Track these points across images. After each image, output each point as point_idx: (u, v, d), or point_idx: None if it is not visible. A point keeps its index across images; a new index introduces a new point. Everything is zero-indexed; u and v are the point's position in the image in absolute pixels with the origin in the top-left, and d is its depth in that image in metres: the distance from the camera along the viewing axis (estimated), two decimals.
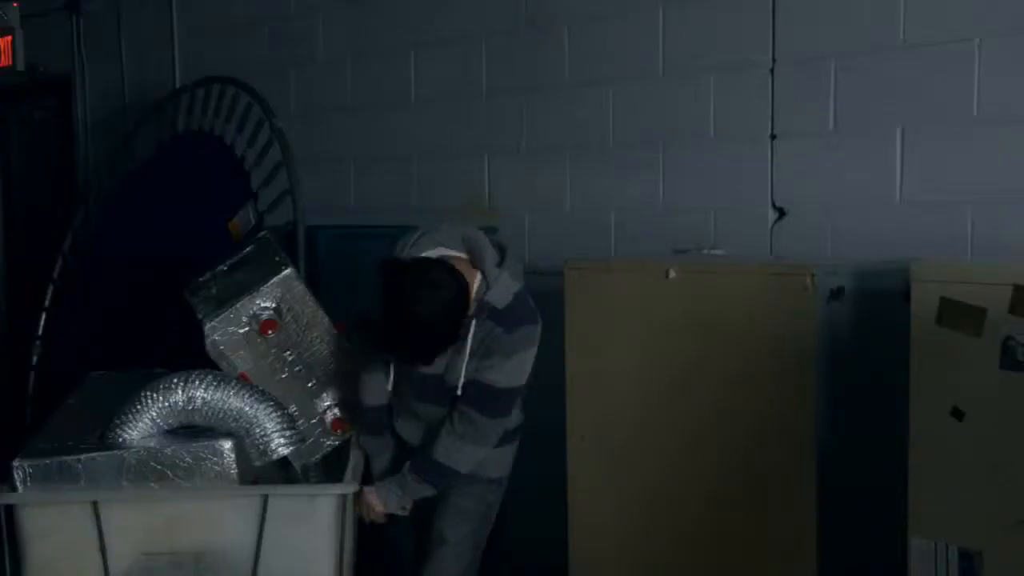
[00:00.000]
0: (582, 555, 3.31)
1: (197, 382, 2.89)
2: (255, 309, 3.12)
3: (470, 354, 2.89)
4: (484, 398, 2.93)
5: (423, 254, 2.83)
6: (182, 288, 3.41)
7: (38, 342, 5.57)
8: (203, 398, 2.87)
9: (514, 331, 2.89)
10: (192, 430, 2.90)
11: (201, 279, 3.42)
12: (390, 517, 3.11)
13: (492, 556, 4.43)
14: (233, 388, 2.92)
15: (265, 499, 2.79)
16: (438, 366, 2.90)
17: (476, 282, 2.85)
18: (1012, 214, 3.05)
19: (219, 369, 3.09)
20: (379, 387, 3.05)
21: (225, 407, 2.88)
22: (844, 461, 2.80)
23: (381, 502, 3.06)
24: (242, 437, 2.89)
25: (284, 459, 3.07)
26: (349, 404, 3.20)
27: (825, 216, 3.45)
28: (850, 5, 3.37)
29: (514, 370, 2.93)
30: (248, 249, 3.50)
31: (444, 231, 2.90)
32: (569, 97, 4.13)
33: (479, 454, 3.00)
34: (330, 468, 3.22)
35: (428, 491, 3.05)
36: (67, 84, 6.42)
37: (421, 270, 2.74)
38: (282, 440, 2.98)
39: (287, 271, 3.17)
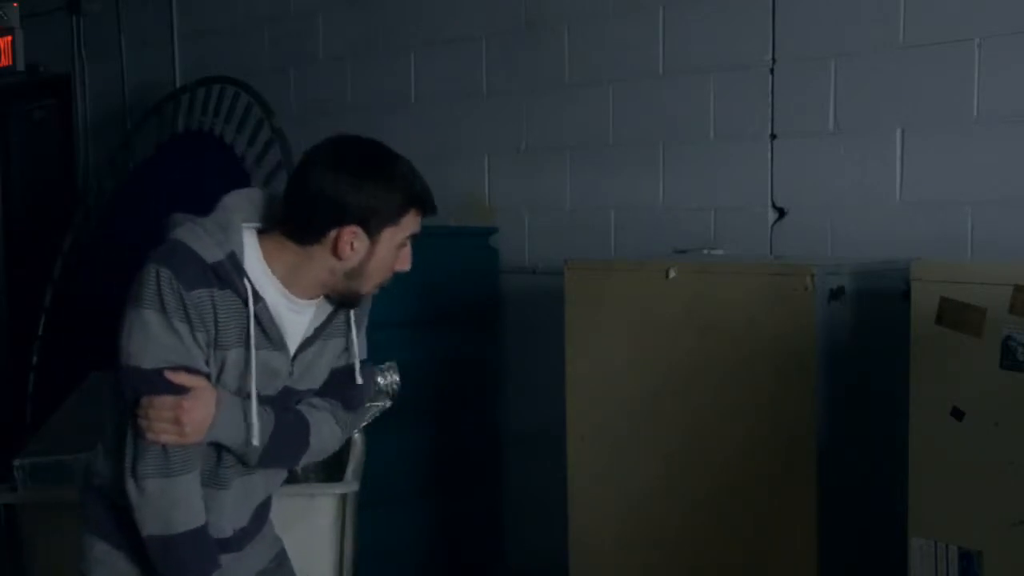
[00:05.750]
0: (582, 555, 3.31)
1: None
2: None
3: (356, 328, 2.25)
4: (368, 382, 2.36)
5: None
6: None
7: (38, 342, 5.58)
8: None
9: None
10: None
11: None
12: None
13: (492, 556, 4.44)
14: None
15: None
16: (299, 370, 2.19)
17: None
18: (1012, 214, 3.05)
19: None
20: (196, 479, 2.08)
21: None
22: (844, 461, 2.80)
23: (208, 412, 2.03)
24: None
25: None
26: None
27: (825, 216, 3.45)
28: (850, 5, 3.37)
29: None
30: None
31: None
32: (569, 97, 4.13)
33: (333, 450, 2.39)
34: (330, 468, 3.22)
35: (256, 456, 2.13)
36: (67, 84, 6.43)
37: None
38: None
39: None
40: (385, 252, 2.09)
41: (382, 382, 3.28)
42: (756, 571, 2.91)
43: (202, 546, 2.10)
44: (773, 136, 3.57)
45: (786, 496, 2.83)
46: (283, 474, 2.36)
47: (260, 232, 2.12)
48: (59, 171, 6.62)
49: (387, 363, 3.29)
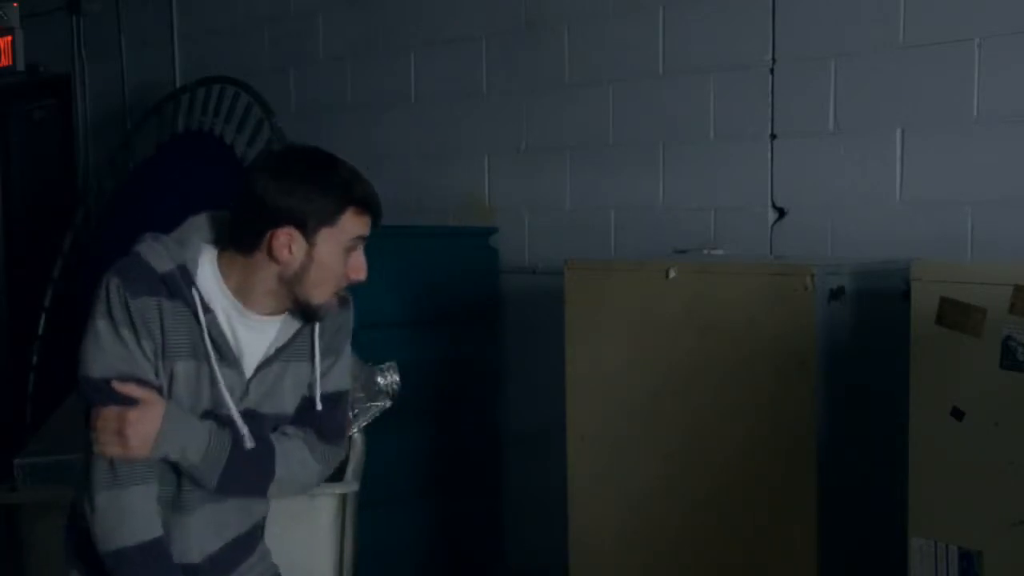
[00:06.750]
0: (582, 555, 3.31)
1: None
2: None
3: (321, 355, 2.20)
4: (343, 413, 2.30)
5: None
6: None
7: (38, 342, 5.58)
8: None
9: (349, 307, 2.25)
10: None
11: None
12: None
13: (492, 556, 4.44)
14: None
15: None
16: (255, 393, 2.14)
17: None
18: (1012, 214, 3.05)
19: None
20: (147, 492, 2.07)
21: None
22: (844, 461, 2.80)
23: (154, 426, 2.01)
24: None
25: None
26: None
27: (825, 216, 3.45)
28: (850, 5, 3.37)
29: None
30: None
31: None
32: (569, 97, 4.13)
33: (308, 484, 2.30)
34: None
35: (213, 478, 2.09)
36: (67, 84, 6.43)
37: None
38: None
39: None
40: (327, 256, 2.06)
41: (382, 382, 3.28)
42: (756, 571, 2.91)
43: (156, 560, 2.07)
44: (773, 136, 3.57)
45: (786, 496, 2.83)
46: (265, 506, 2.31)
47: (221, 251, 2.11)
48: (59, 171, 6.62)
49: (387, 363, 3.30)
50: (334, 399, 2.23)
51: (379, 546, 3.81)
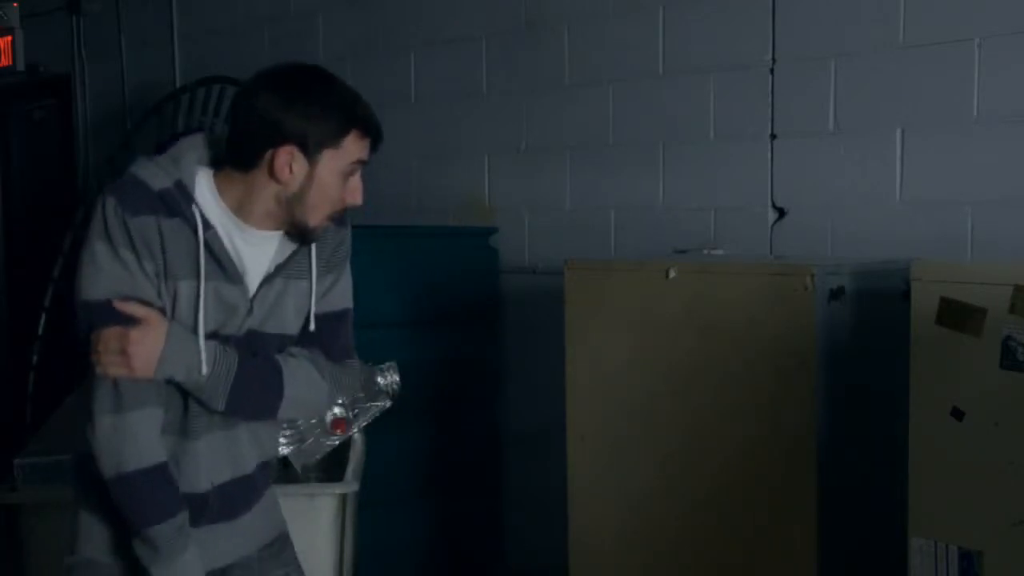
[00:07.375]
0: (582, 555, 3.31)
1: None
2: None
3: (318, 273, 2.16)
4: (348, 331, 2.24)
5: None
6: None
7: (38, 342, 5.58)
8: None
9: (347, 224, 2.21)
10: None
11: None
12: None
13: (492, 556, 4.45)
14: None
15: None
16: (259, 311, 2.10)
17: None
18: (1012, 214, 3.05)
19: None
20: (151, 416, 2.03)
21: None
22: (844, 461, 2.80)
23: (157, 345, 1.97)
24: None
25: (284, 459, 3.07)
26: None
27: (825, 216, 3.45)
28: (850, 5, 3.38)
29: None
30: None
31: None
32: (569, 97, 4.13)
33: (319, 404, 2.26)
34: (330, 468, 3.22)
35: (220, 398, 2.04)
36: (67, 84, 6.43)
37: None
38: (282, 440, 2.98)
39: None
40: (328, 177, 2.03)
41: (382, 382, 3.29)
42: (756, 571, 2.91)
43: (159, 484, 2.03)
44: (773, 136, 3.57)
45: (786, 496, 2.83)
46: (274, 434, 2.27)
47: (217, 171, 2.08)
48: (59, 171, 6.62)
49: (387, 363, 3.30)
50: (338, 317, 2.19)
51: (379, 546, 3.81)
